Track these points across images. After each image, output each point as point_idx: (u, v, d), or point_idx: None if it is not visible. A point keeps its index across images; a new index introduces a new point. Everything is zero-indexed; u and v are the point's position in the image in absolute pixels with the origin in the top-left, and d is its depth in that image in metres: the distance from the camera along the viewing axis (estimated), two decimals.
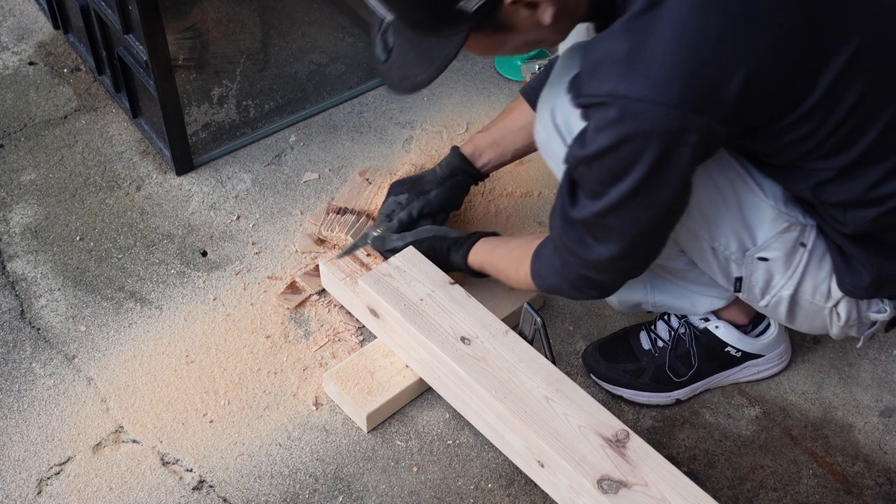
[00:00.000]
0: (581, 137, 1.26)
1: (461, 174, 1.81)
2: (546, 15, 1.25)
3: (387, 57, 1.35)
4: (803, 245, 1.43)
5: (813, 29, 1.20)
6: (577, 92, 1.24)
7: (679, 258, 1.55)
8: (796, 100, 1.23)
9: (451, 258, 1.71)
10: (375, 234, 1.80)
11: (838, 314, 1.49)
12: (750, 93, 1.19)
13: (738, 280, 1.50)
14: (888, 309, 1.47)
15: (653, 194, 1.26)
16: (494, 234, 1.74)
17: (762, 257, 1.45)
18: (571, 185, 1.34)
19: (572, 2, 1.27)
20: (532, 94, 1.73)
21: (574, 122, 1.32)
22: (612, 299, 1.72)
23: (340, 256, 1.83)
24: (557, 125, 1.43)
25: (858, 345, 1.58)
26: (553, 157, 1.46)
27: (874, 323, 1.51)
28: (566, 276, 1.44)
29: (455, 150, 1.82)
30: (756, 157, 1.39)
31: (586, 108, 1.24)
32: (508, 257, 1.61)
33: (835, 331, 1.53)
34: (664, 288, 1.65)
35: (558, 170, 1.41)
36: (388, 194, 1.85)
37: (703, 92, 1.17)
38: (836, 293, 1.46)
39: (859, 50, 1.21)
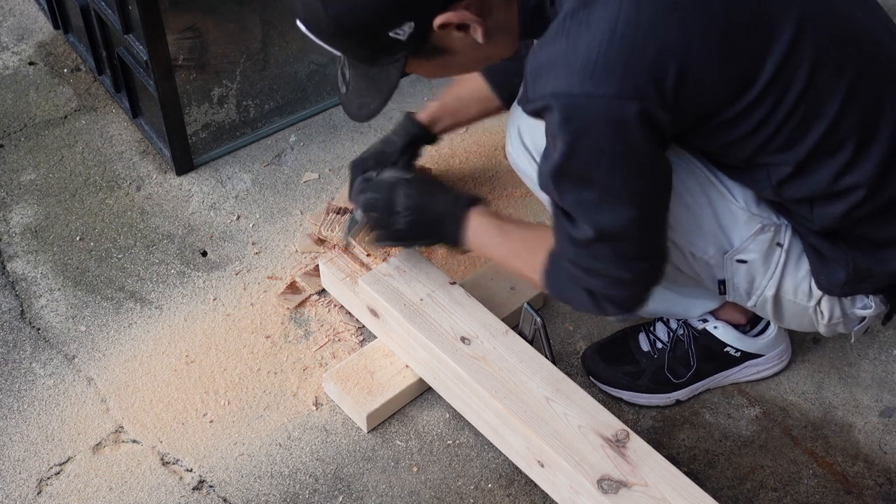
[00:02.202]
0: (546, 153, 1.29)
1: (419, 140, 1.87)
2: (478, 34, 1.30)
3: (346, 89, 1.43)
4: (780, 245, 1.44)
5: (752, 12, 1.22)
6: (525, 101, 1.27)
7: None
8: (743, 84, 1.23)
9: (443, 230, 1.59)
10: (359, 220, 1.74)
11: (821, 312, 1.49)
12: (689, 80, 1.20)
13: (722, 283, 1.51)
14: (873, 305, 1.47)
15: (630, 185, 1.27)
16: (478, 199, 1.61)
17: (741, 259, 1.46)
18: (561, 209, 1.34)
19: (501, 17, 1.32)
20: (488, 72, 1.79)
21: (540, 139, 1.34)
22: None
23: (346, 241, 1.82)
24: (525, 144, 1.48)
25: (851, 341, 1.58)
26: (525, 174, 1.52)
27: (863, 319, 1.51)
28: (591, 298, 1.40)
29: (410, 117, 1.86)
30: (714, 158, 1.40)
31: (537, 115, 1.27)
32: (514, 255, 1.54)
33: (822, 329, 1.53)
34: (656, 295, 1.64)
35: (532, 185, 1.46)
36: (353, 174, 1.83)
37: (639, 81, 1.19)
38: (817, 291, 1.46)
39: (800, 29, 1.22)
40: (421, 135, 1.86)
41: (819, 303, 1.48)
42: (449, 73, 1.46)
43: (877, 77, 1.30)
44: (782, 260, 1.45)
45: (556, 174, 1.28)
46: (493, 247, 1.56)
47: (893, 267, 1.39)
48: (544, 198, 1.43)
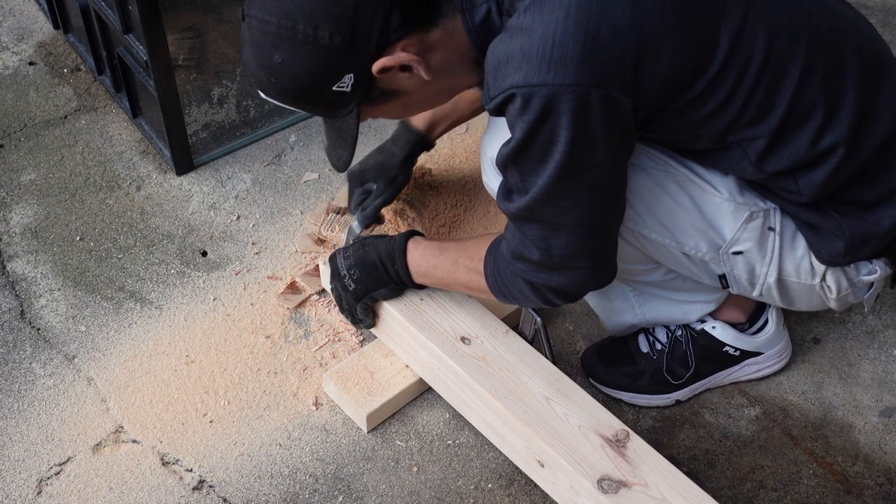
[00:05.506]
0: (507, 140, 1.29)
1: (418, 149, 1.86)
2: (421, 72, 1.30)
3: (327, 140, 1.47)
4: (772, 229, 1.44)
5: None
6: (487, 99, 1.27)
7: (656, 271, 1.56)
8: (702, 58, 1.24)
9: (389, 272, 1.62)
10: (357, 231, 1.82)
11: (829, 287, 1.49)
12: (647, 59, 1.21)
13: (722, 277, 1.51)
14: (878, 269, 1.47)
15: (580, 176, 1.27)
16: (415, 231, 1.64)
17: (736, 251, 1.45)
18: (507, 190, 1.35)
19: (448, 49, 1.32)
20: None
21: None
22: (607, 324, 1.73)
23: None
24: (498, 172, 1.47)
25: (866, 310, 1.57)
26: None
27: (871, 285, 1.51)
28: (532, 289, 1.42)
29: (407, 126, 1.85)
30: (687, 145, 1.39)
31: (499, 111, 1.26)
32: (455, 264, 1.55)
33: (833, 304, 1.53)
34: (652, 304, 1.66)
35: None
36: (352, 185, 1.86)
37: (597, 66, 1.19)
38: (819, 267, 1.46)
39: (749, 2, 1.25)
40: (420, 142, 1.85)
41: (824, 278, 1.47)
42: (412, 112, 1.48)
43: (831, 36, 1.31)
44: (777, 243, 1.45)
45: (513, 156, 1.28)
46: (437, 267, 1.57)
47: (888, 225, 1.39)
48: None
